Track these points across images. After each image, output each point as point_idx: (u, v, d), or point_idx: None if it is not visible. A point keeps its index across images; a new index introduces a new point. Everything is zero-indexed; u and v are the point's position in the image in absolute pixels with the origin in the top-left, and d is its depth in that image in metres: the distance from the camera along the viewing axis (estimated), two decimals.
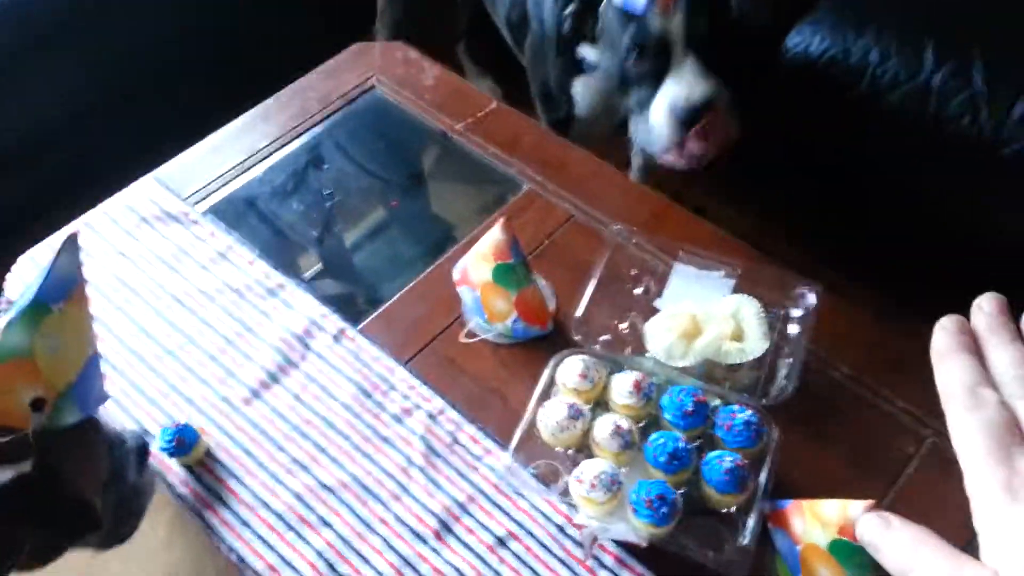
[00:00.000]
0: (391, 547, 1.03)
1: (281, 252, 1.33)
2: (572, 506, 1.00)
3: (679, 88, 1.32)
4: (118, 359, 1.19)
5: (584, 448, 1.05)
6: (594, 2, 1.46)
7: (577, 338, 1.15)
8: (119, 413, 1.15)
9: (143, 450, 0.94)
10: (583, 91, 1.68)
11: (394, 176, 1.47)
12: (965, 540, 0.49)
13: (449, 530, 1.04)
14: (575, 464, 1.03)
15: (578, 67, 1.60)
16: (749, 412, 1.02)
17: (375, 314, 1.25)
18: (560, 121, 1.84)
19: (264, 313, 1.24)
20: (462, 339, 1.20)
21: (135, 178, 1.40)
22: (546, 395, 1.09)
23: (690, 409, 1.02)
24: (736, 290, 1.20)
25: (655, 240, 1.25)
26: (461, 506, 1.05)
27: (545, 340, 1.19)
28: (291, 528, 1.04)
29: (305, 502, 1.06)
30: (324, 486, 1.08)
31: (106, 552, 0.91)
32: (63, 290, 0.76)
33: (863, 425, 1.12)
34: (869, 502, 0.89)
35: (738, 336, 1.13)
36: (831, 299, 1.18)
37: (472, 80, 2.41)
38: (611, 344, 1.16)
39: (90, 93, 1.99)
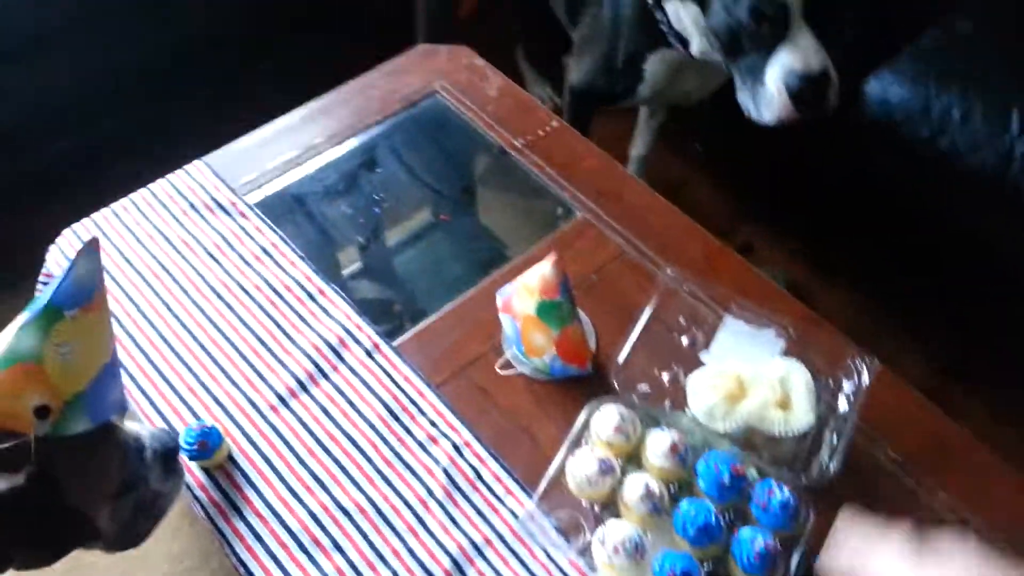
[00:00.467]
0: None
1: (324, 256, 1.31)
2: (591, 567, 0.96)
3: (795, 57, 1.27)
4: (146, 346, 1.18)
5: (611, 505, 1.01)
6: None
7: (616, 384, 1.11)
8: (147, 405, 1.13)
9: (171, 453, 0.92)
10: (657, 65, 1.62)
11: (446, 188, 1.44)
12: None
13: (462, 573, 1.01)
14: (600, 521, 0.99)
15: (655, 38, 1.54)
16: (788, 492, 0.98)
17: (411, 332, 1.22)
18: (606, 97, 1.76)
19: (301, 317, 1.21)
20: (498, 369, 1.17)
21: (182, 156, 1.39)
22: (578, 442, 1.05)
23: (727, 481, 0.97)
24: (786, 352, 1.14)
25: (708, 289, 1.20)
26: (477, 548, 1.02)
27: (582, 381, 1.15)
28: (303, 549, 1.02)
29: (320, 522, 1.04)
30: (341, 507, 1.05)
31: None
32: (80, 296, 0.73)
33: (904, 517, 1.07)
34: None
35: (784, 404, 1.08)
36: (884, 373, 1.13)
37: (529, 85, 2.36)
38: (650, 395, 1.12)
39: (147, 63, 1.97)
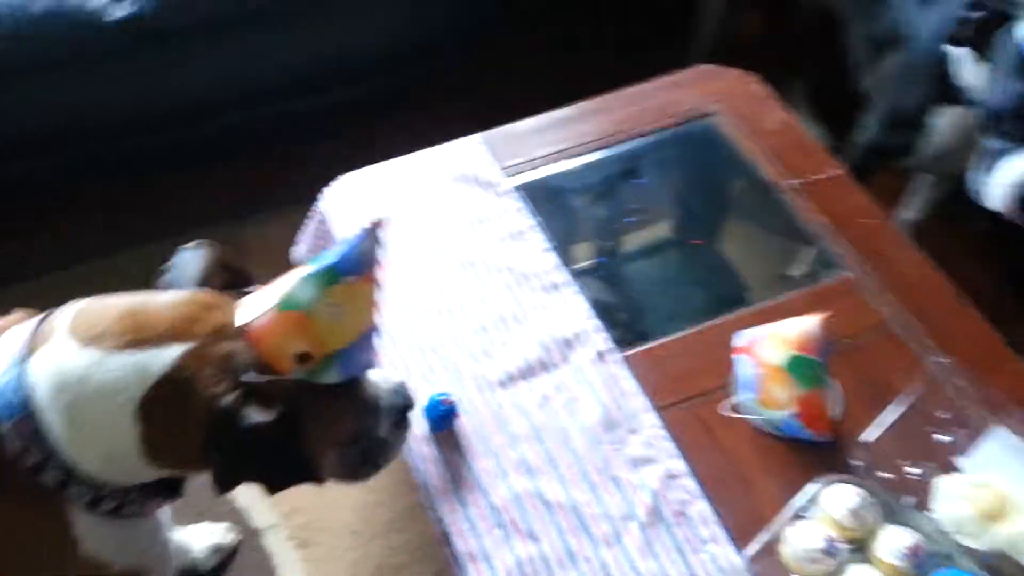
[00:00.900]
0: None
1: (573, 251, 1.32)
2: None
3: None
4: (393, 301, 1.24)
5: None
6: (997, 21, 1.27)
7: (856, 463, 1.03)
8: (384, 355, 1.20)
9: (404, 410, 0.96)
10: (948, 122, 1.50)
11: (704, 213, 1.40)
12: None
13: None
14: None
15: (948, 95, 1.42)
16: None
17: (643, 347, 1.20)
18: (891, 153, 1.65)
19: (540, 306, 1.23)
20: (723, 410, 1.12)
21: (447, 130, 1.45)
22: (802, 512, 0.99)
23: None
24: None
25: (981, 389, 1.08)
26: None
27: (814, 448, 1.08)
28: (501, 526, 1.04)
29: (522, 506, 1.05)
30: (543, 499, 1.06)
31: None
32: (360, 267, 0.79)
33: None
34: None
35: None
36: None
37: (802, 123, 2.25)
38: (893, 485, 1.02)
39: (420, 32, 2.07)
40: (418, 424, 1.11)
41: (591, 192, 1.39)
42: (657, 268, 1.39)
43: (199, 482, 0.88)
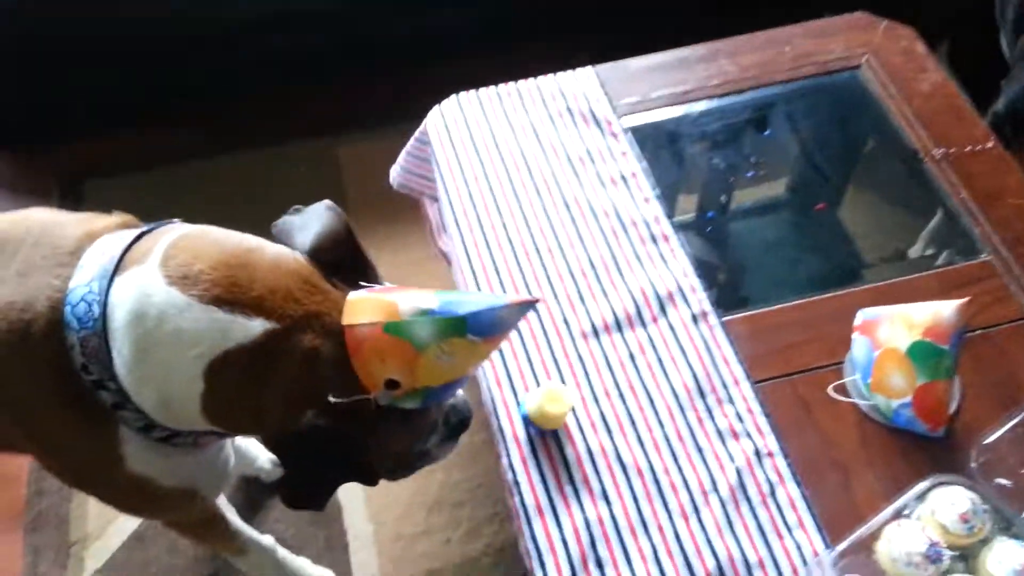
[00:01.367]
0: (658, 562, 0.94)
1: (681, 203, 1.24)
2: None
3: None
4: (488, 231, 1.18)
5: None
6: None
7: (972, 464, 0.93)
8: (472, 288, 1.15)
9: (460, 428, 0.90)
10: None
11: (834, 177, 1.28)
12: None
13: None
14: None
15: None
16: None
17: (745, 313, 1.11)
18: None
19: (638, 257, 1.16)
20: (830, 391, 1.03)
21: (561, 58, 1.36)
22: (903, 511, 0.90)
23: None
24: None
25: None
26: (748, 565, 0.93)
27: (924, 442, 0.98)
28: (571, 482, 0.99)
29: (595, 463, 1.01)
30: (620, 459, 1.01)
31: None
32: (489, 331, 0.72)
33: None
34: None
35: None
36: None
37: None
38: (1011, 494, 0.92)
39: None
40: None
41: (708, 140, 1.29)
42: (770, 230, 1.29)
43: None
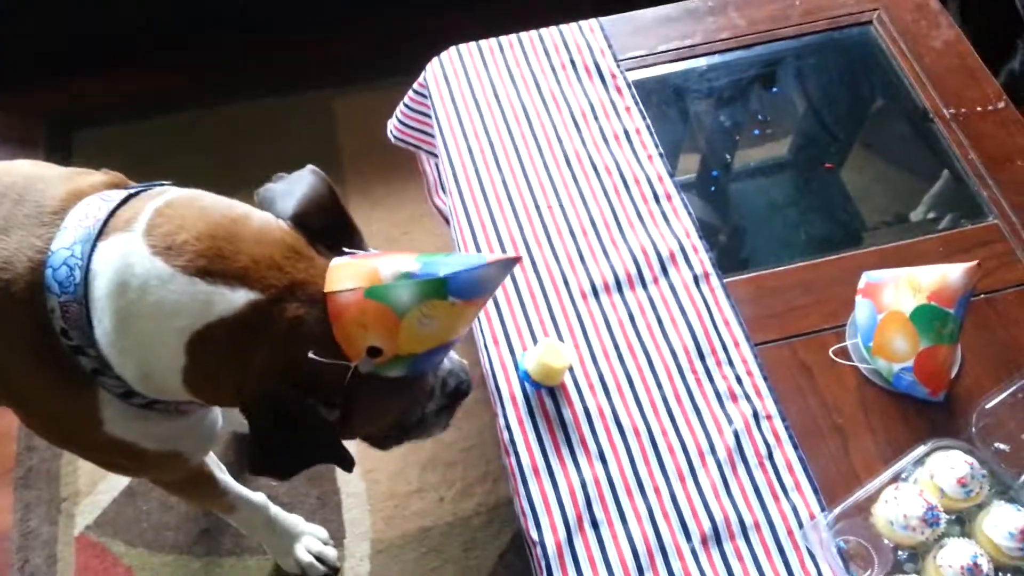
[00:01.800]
0: (654, 522, 0.93)
1: (684, 160, 1.21)
2: None
3: None
4: (487, 186, 1.16)
5: (917, 558, 0.86)
6: None
7: (971, 429, 0.93)
8: (471, 245, 1.13)
9: (458, 396, 0.89)
10: None
11: (841, 136, 1.25)
12: None
13: (719, 543, 0.92)
14: (898, 569, 0.85)
15: None
16: None
17: (747, 275, 1.09)
18: None
19: (640, 216, 1.14)
20: (831, 354, 1.02)
21: (565, 8, 1.32)
22: (901, 475, 0.90)
23: None
24: None
25: None
26: (743, 526, 0.93)
27: (923, 407, 0.98)
28: (568, 443, 0.98)
29: (592, 425, 0.99)
30: (617, 420, 1.00)
31: None
32: (470, 292, 0.70)
33: None
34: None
35: None
36: None
37: None
38: (1008, 459, 0.92)
39: None
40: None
41: (714, 97, 1.26)
42: (774, 190, 1.26)
43: None
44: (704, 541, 0.92)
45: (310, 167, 0.78)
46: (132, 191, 0.77)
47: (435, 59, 1.29)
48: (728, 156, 1.25)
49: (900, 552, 0.86)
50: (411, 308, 0.68)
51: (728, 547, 0.92)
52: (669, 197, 1.15)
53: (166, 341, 0.71)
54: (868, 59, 1.24)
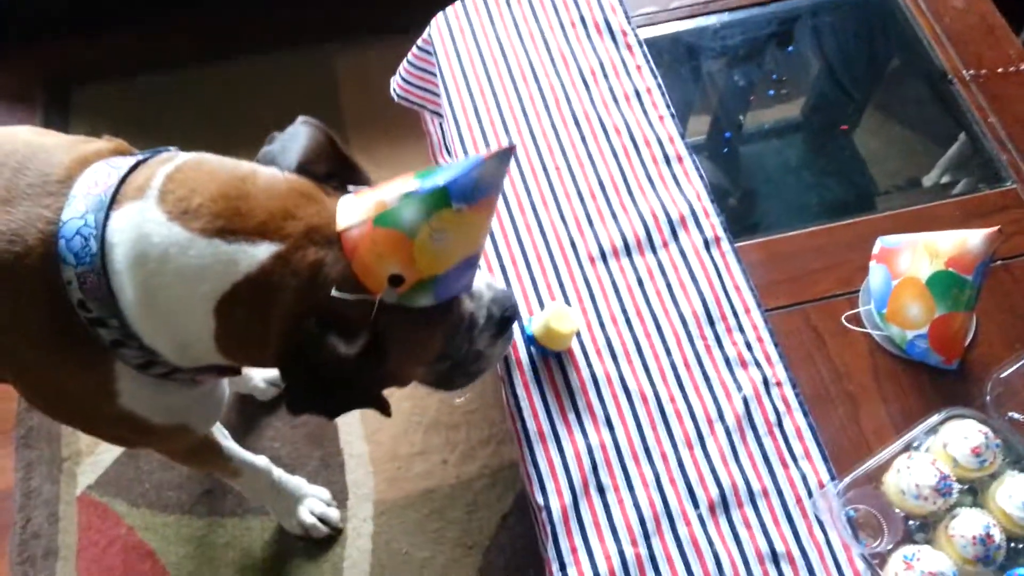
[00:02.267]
0: (660, 489, 0.93)
1: (695, 122, 1.18)
2: (873, 574, 0.83)
3: None
4: (494, 146, 1.13)
5: (927, 528, 0.85)
6: None
7: (986, 398, 0.91)
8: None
9: (507, 320, 0.86)
10: None
11: (857, 98, 1.22)
12: None
13: (726, 510, 0.91)
14: (908, 538, 0.84)
15: None
16: None
17: (759, 239, 1.07)
18: None
19: (650, 179, 1.11)
20: (844, 320, 1.00)
21: None
22: (913, 444, 0.89)
23: None
24: None
25: None
26: (751, 492, 0.92)
27: (936, 374, 0.96)
28: (574, 408, 0.97)
29: (599, 390, 0.98)
30: (624, 386, 0.98)
31: None
32: (474, 195, 0.68)
33: None
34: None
35: None
36: None
37: None
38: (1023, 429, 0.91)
39: None
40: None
41: (728, 55, 1.22)
42: (787, 152, 1.23)
43: None
44: (712, 508, 0.91)
45: (301, 118, 0.77)
46: (140, 158, 0.75)
47: (440, 14, 1.25)
48: (741, 117, 1.22)
49: (911, 521, 0.85)
50: (420, 225, 0.67)
51: (736, 514, 0.91)
52: (680, 159, 1.12)
53: (194, 308, 0.70)
54: (886, 18, 1.21)
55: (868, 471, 0.87)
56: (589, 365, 1.00)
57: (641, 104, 1.16)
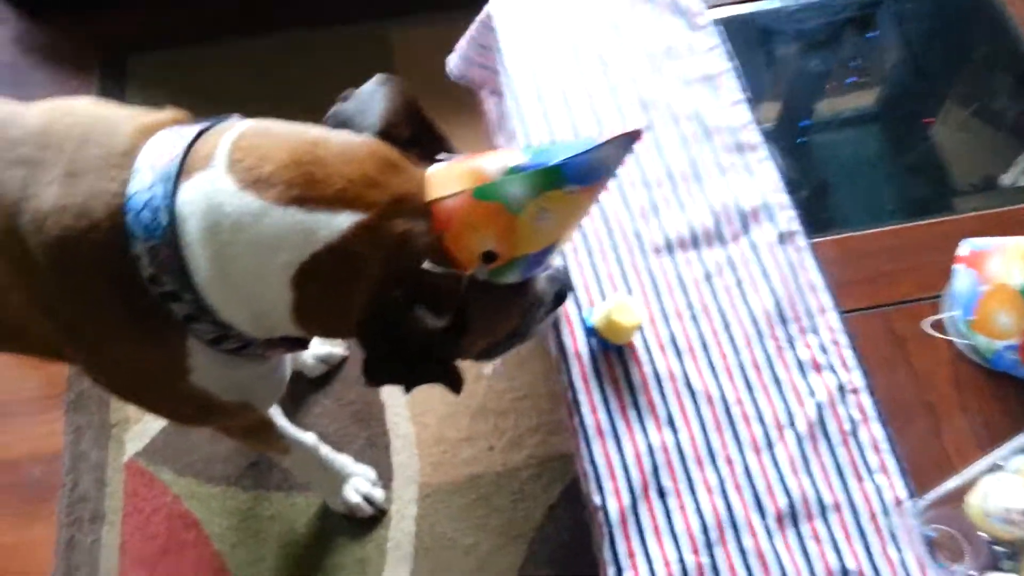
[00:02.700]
0: (725, 496, 0.89)
1: (769, 108, 1.12)
2: None
3: None
4: (555, 126, 1.09)
5: (1016, 555, 0.80)
6: None
7: None
8: None
9: (559, 299, 0.83)
10: None
11: (941, 87, 1.14)
12: None
13: (795, 522, 0.87)
14: (992, 565, 0.79)
15: None
16: None
17: (837, 236, 1.02)
18: None
19: (719, 167, 1.06)
20: (926, 326, 0.95)
21: None
22: (1000, 463, 0.83)
23: None
24: None
25: None
26: (823, 506, 0.87)
27: None
28: (635, 406, 0.93)
29: (662, 388, 0.94)
30: (688, 384, 0.94)
31: None
32: (588, 177, 0.64)
33: None
34: None
35: None
36: None
37: None
38: None
39: None
40: None
41: (807, 39, 1.15)
42: (864, 144, 1.16)
43: None
44: (779, 519, 0.87)
45: (380, 76, 0.73)
46: (202, 127, 0.72)
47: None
48: (816, 105, 1.16)
49: (997, 547, 0.80)
50: (526, 202, 0.63)
51: (805, 527, 0.87)
52: (754, 148, 1.07)
53: (270, 279, 0.68)
54: (975, 4, 1.13)
55: (950, 490, 0.82)
56: (652, 361, 0.96)
57: (713, 89, 1.10)
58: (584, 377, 0.95)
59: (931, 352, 0.94)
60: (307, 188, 0.65)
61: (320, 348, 1.46)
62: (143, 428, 1.48)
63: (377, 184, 0.66)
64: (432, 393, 1.46)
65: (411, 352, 0.68)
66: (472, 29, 1.25)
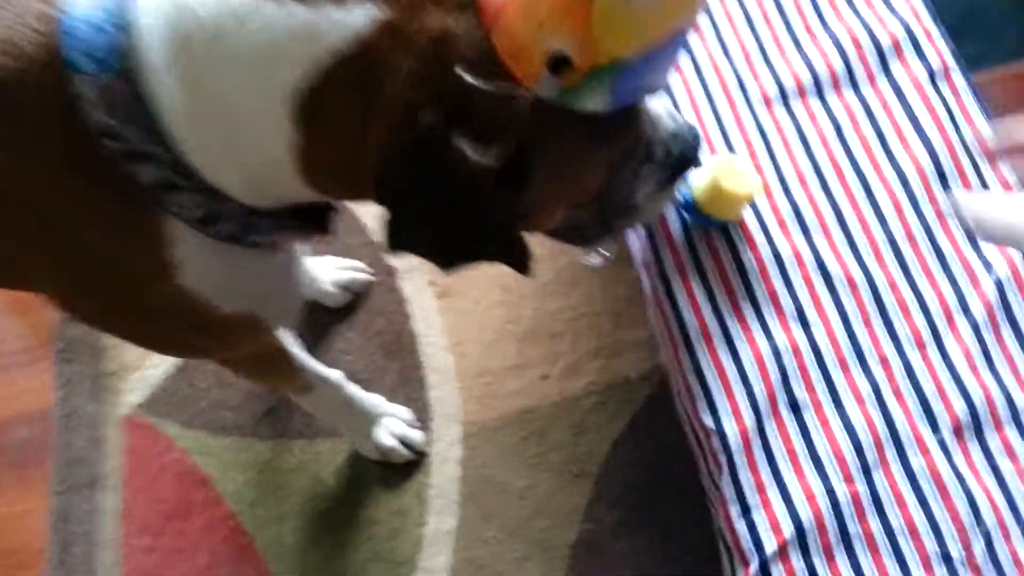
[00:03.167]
0: (883, 405, 0.68)
1: None
2: None
3: None
4: None
5: None
6: None
7: None
8: None
9: (683, 165, 0.61)
10: None
11: None
12: None
13: (979, 433, 0.66)
14: None
15: None
16: None
17: (1006, 70, 0.79)
18: None
19: None
20: None
21: None
22: None
23: None
24: None
25: None
26: (1012, 408, 0.67)
27: None
28: (751, 299, 0.72)
29: (786, 274, 0.73)
30: (822, 267, 0.73)
31: None
32: None
33: None
34: None
35: None
36: None
37: None
38: None
39: None
40: None
41: None
42: None
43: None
44: (957, 431, 0.67)
45: None
46: None
47: None
48: None
49: None
50: None
51: (992, 439, 0.67)
52: None
53: (263, 109, 0.49)
54: None
55: None
56: (770, 241, 0.74)
57: None
58: (680, 267, 0.74)
59: None
60: None
61: (341, 273, 1.28)
62: (143, 376, 1.30)
63: None
64: (472, 317, 1.27)
65: (449, 204, 0.48)
66: None
